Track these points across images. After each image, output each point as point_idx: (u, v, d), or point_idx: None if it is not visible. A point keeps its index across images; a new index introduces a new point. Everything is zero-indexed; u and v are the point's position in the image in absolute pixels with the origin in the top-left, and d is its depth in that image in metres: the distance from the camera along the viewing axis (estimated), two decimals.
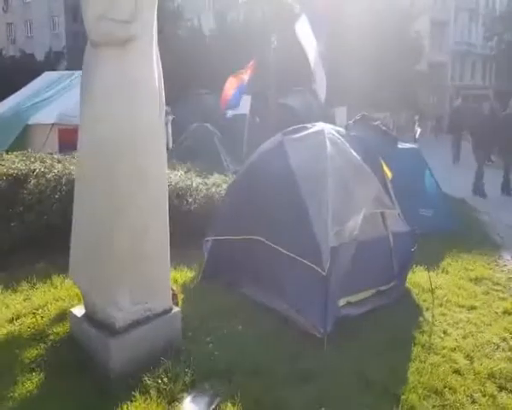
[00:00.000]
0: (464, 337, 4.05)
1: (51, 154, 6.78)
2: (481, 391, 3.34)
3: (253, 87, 11.16)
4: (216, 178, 6.80)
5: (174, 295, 4.02)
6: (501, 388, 3.41)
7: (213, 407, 2.99)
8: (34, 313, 4.09)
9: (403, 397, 3.19)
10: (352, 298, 4.33)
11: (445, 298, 4.80)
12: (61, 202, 5.39)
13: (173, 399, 3.02)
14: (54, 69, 22.83)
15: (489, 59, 42.74)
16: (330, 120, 14.47)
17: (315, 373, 3.44)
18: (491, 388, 3.38)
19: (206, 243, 5.06)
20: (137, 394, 2.99)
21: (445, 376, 3.45)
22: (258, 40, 19.21)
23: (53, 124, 11.03)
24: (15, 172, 5.58)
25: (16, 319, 4.01)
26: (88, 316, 3.44)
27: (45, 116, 11.41)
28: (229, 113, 12.39)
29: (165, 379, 3.10)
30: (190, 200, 6.16)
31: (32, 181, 5.60)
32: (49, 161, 6.07)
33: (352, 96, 20.44)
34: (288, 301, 4.10)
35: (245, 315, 4.19)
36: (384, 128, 7.66)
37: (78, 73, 11.16)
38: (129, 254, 3.28)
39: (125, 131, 3.18)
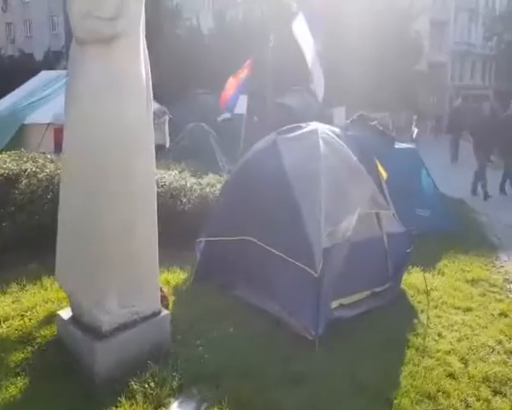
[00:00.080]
0: (459, 340, 3.99)
1: (44, 153, 6.69)
2: (475, 395, 3.29)
3: (250, 86, 11.09)
4: (210, 178, 6.74)
5: (164, 298, 3.96)
6: (495, 392, 3.35)
7: None
8: (22, 316, 4.03)
9: (395, 401, 3.14)
10: (345, 300, 4.26)
11: (441, 300, 4.74)
12: (53, 202, 5.30)
13: (160, 404, 2.96)
14: (52, 69, 22.72)
15: (489, 59, 42.66)
16: (328, 119, 14.42)
17: (306, 376, 3.39)
18: (485, 392, 3.33)
19: (199, 243, 5.00)
20: (123, 399, 2.93)
21: (438, 380, 3.40)
22: (256, 39, 19.14)
23: (48, 124, 10.95)
24: (6, 171, 5.51)
25: (4, 322, 3.94)
26: (75, 319, 3.38)
27: (41, 116, 11.33)
28: (221, 117, 12.33)
29: (152, 384, 3.04)
30: (184, 200, 6.10)
31: (24, 181, 5.54)
32: (41, 161, 5.99)
33: (352, 96, 20.35)
34: (280, 302, 4.04)
35: (237, 317, 4.13)
36: (381, 128, 7.60)
37: None
38: (116, 255, 3.22)
39: (113, 130, 3.11)
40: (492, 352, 3.84)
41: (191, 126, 11.00)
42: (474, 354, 3.79)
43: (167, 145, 12.04)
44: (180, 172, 6.93)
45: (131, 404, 2.91)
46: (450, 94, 37.49)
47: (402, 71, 26.23)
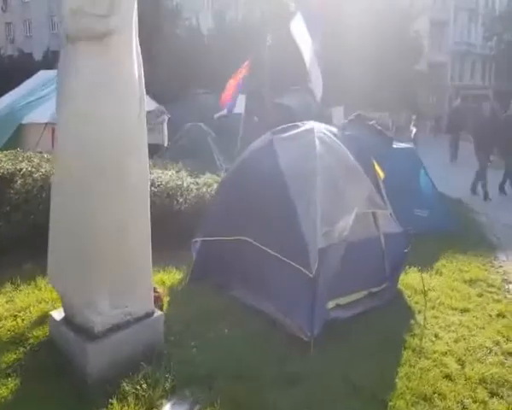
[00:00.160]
0: (456, 341, 3.96)
1: (41, 153, 6.66)
2: (472, 397, 3.25)
3: (249, 86, 11.05)
4: (207, 177, 6.71)
5: (158, 298, 3.93)
6: (492, 393, 3.31)
7: None
8: (15, 316, 3.99)
9: (390, 404, 3.11)
10: (342, 300, 4.23)
11: (438, 300, 4.70)
12: (49, 201, 5.23)
13: (152, 406, 2.92)
14: (52, 69, 22.69)
15: (488, 59, 42.59)
16: (327, 119, 14.38)
17: (301, 377, 3.36)
18: (482, 393, 3.29)
19: (195, 243, 4.97)
20: (114, 400, 2.89)
21: (434, 381, 3.36)
22: (256, 39, 19.12)
23: (46, 123, 10.89)
24: (1, 171, 5.47)
25: None
26: (67, 319, 3.34)
27: (39, 115, 11.28)
28: (218, 114, 12.30)
29: (144, 385, 3.00)
30: (181, 200, 6.07)
31: (19, 181, 5.50)
32: (36, 161, 5.96)
33: (351, 95, 20.33)
34: (276, 303, 4.01)
35: (232, 318, 4.09)
36: (379, 127, 7.56)
37: None
38: (108, 255, 3.18)
39: (106, 129, 3.08)
40: (489, 353, 3.80)
41: (189, 126, 10.97)
42: (470, 355, 3.75)
43: (165, 144, 12.01)
44: (177, 172, 6.90)
45: (123, 406, 2.88)
46: (450, 94, 37.44)
47: (402, 71, 26.19)
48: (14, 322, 3.88)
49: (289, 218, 4.10)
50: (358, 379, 3.32)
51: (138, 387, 2.98)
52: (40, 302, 4.24)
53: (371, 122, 7.63)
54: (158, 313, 3.54)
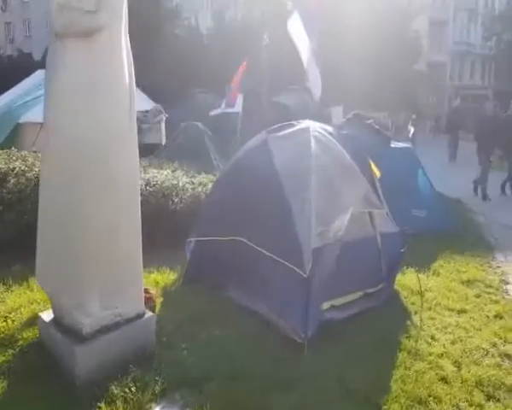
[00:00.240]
0: (453, 343, 3.90)
1: (35, 152, 6.60)
2: (468, 400, 3.19)
3: (246, 85, 11.01)
4: (203, 177, 6.65)
5: (150, 299, 3.88)
6: (489, 396, 3.26)
7: None
8: (6, 317, 3.93)
9: (384, 407, 3.05)
10: (337, 301, 4.17)
11: (435, 301, 4.65)
12: None
13: None
14: None
15: (488, 59, 42.51)
16: (327, 119, 14.32)
17: (294, 380, 3.30)
18: (478, 397, 3.23)
19: (189, 243, 4.91)
20: (103, 404, 2.84)
21: (430, 384, 3.30)
22: (255, 39, 19.09)
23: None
24: None
25: None
26: (56, 321, 3.29)
27: (36, 115, 11.18)
28: (213, 112, 12.26)
29: (134, 388, 2.94)
30: (176, 199, 6.02)
31: (12, 180, 5.45)
32: (31, 160, 5.90)
33: (350, 95, 20.25)
34: (270, 304, 3.95)
35: (226, 319, 4.03)
36: (377, 127, 7.50)
37: None
38: (99, 255, 3.13)
39: (96, 127, 3.02)
40: (486, 355, 3.74)
41: (185, 125, 10.92)
42: (467, 357, 3.69)
43: (163, 143, 11.98)
44: (173, 172, 6.85)
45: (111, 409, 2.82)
46: (450, 94, 37.38)
47: (401, 71, 26.15)
48: (5, 323, 3.82)
49: (284, 217, 4.05)
50: (352, 382, 3.27)
51: (127, 390, 2.92)
52: (31, 303, 4.19)
53: (369, 121, 7.57)
54: (149, 314, 3.48)
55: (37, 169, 5.64)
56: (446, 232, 6.58)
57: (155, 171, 6.66)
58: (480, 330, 4.15)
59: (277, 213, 4.14)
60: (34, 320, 3.82)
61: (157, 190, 5.98)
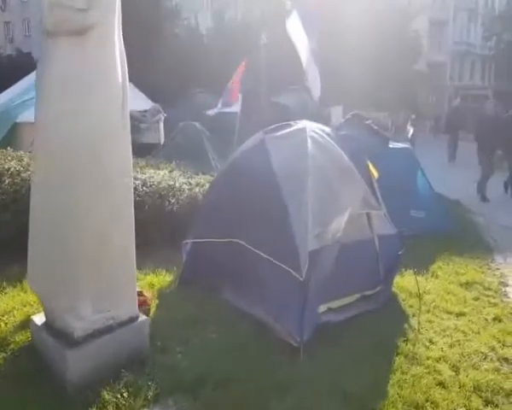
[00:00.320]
0: (451, 346, 3.85)
1: (31, 152, 6.55)
2: (466, 406, 3.13)
3: (245, 85, 10.97)
4: (200, 177, 6.60)
5: (145, 302, 3.83)
6: (487, 402, 3.20)
7: None
8: None
9: None
10: (334, 304, 4.12)
11: (433, 304, 4.60)
12: None
13: None
14: None
15: (488, 59, 42.44)
16: (326, 119, 14.28)
17: (290, 384, 3.24)
18: (476, 402, 3.18)
19: (185, 245, 4.86)
20: (94, 409, 2.79)
21: (427, 389, 3.25)
22: (255, 39, 19.06)
23: None
24: None
25: None
26: (47, 324, 3.24)
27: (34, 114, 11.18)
28: (210, 111, 12.22)
29: (126, 394, 2.89)
30: (173, 200, 5.97)
31: (7, 180, 5.40)
32: (26, 160, 5.86)
33: (350, 95, 20.23)
34: (266, 307, 3.90)
35: (222, 322, 3.98)
36: (375, 127, 7.46)
37: None
38: (91, 258, 3.07)
39: (87, 126, 2.97)
40: (485, 359, 3.69)
41: (183, 125, 10.87)
42: (465, 361, 3.64)
43: (161, 142, 11.94)
44: (170, 172, 6.80)
45: None
46: (450, 94, 37.34)
47: (401, 71, 26.11)
48: None
49: (281, 219, 4.00)
50: (349, 386, 3.21)
51: (119, 396, 2.87)
52: (25, 305, 4.14)
53: (368, 121, 7.52)
54: (143, 317, 3.43)
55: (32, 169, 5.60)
56: (445, 233, 6.54)
57: (152, 171, 6.61)
58: (479, 333, 4.10)
59: (274, 215, 4.09)
60: (27, 323, 3.77)
61: (154, 190, 5.94)
